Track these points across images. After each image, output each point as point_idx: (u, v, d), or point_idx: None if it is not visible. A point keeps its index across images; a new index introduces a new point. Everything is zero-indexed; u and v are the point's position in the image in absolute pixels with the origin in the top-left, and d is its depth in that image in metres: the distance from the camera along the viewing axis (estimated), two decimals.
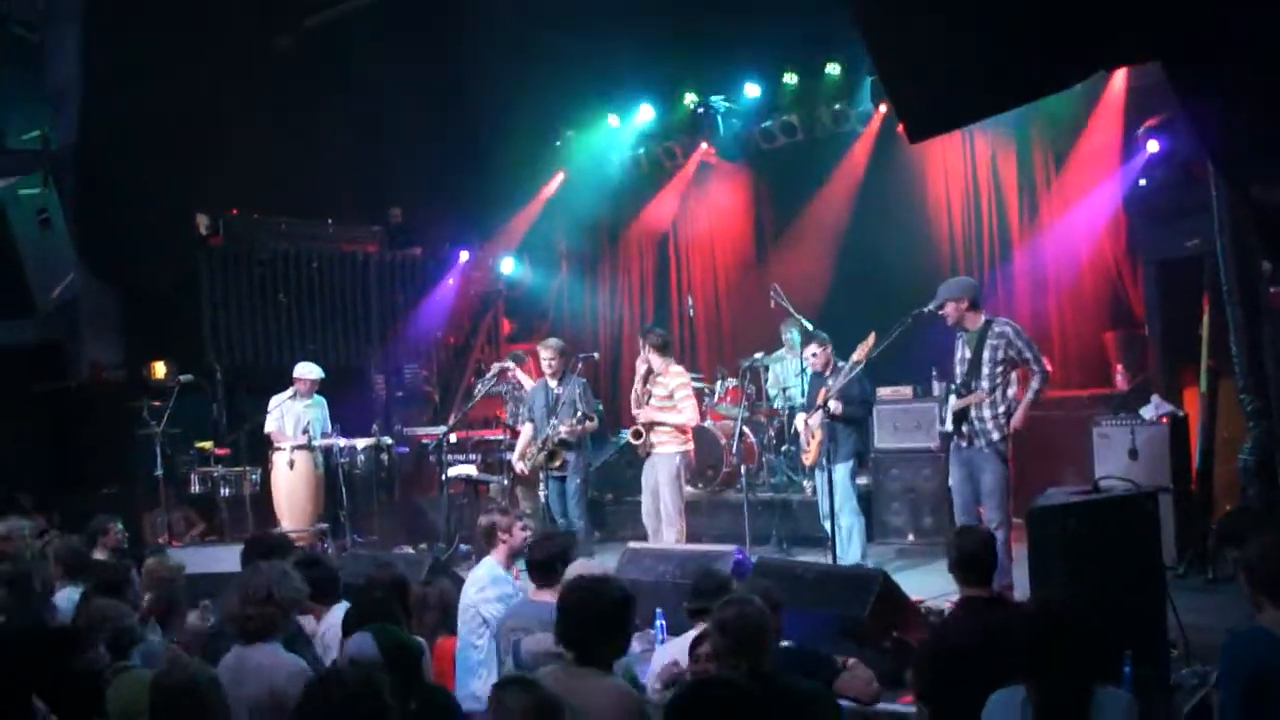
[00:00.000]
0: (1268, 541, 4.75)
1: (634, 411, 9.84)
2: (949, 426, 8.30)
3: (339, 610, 5.63)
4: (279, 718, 4.52)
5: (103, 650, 4.77)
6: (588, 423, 9.76)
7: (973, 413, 8.15)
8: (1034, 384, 8.09)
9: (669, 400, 9.73)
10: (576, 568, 5.32)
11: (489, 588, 6.41)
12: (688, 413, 9.78)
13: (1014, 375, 8.18)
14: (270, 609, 4.78)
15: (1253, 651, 4.22)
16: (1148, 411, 9.28)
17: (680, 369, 9.96)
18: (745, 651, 4.19)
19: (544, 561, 5.84)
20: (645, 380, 9.78)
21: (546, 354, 10.05)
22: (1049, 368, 8.21)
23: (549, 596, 5.44)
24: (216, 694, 4.02)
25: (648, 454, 9.81)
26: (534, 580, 5.94)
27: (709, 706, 3.30)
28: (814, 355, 9.43)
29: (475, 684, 6.09)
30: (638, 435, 9.79)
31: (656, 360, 9.76)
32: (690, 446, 9.89)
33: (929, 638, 5.33)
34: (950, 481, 8.54)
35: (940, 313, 8.31)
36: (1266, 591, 4.41)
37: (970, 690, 4.13)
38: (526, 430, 10.23)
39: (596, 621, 4.34)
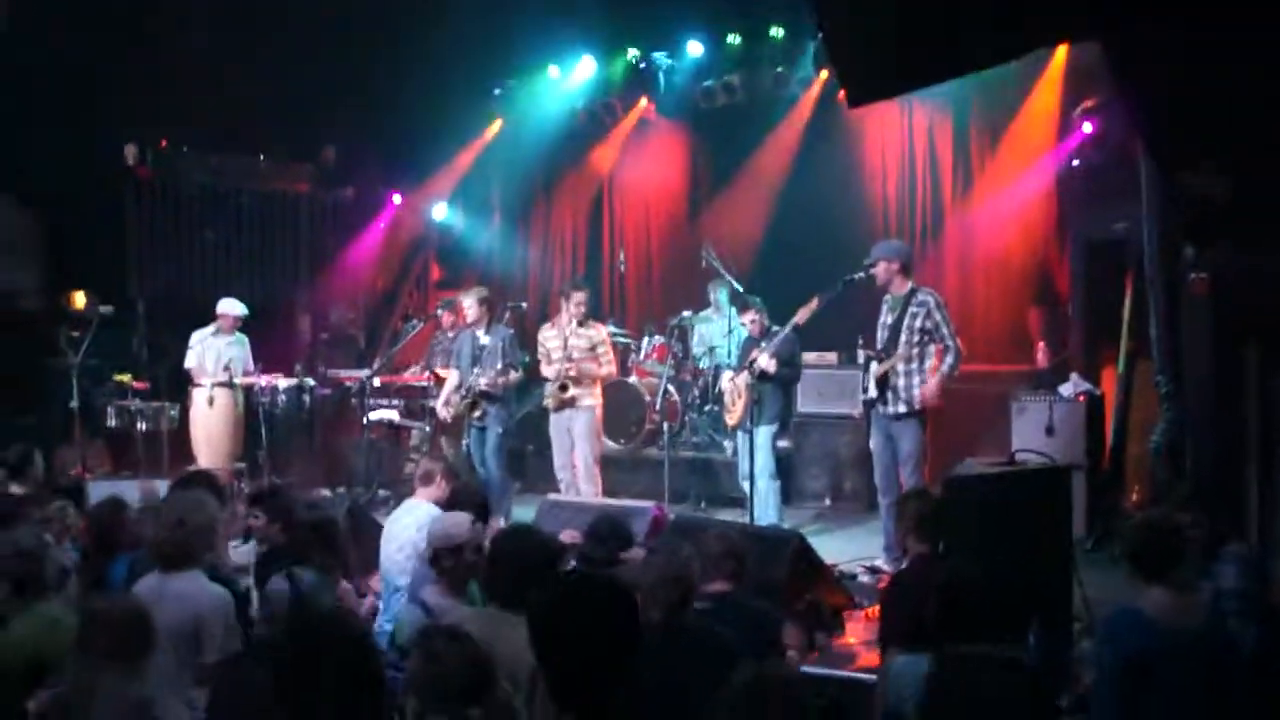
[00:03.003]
0: (1142, 521, 4.88)
1: (553, 366, 9.83)
2: (872, 393, 8.39)
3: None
4: (198, 645, 4.52)
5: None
6: (511, 374, 9.73)
7: (892, 379, 8.26)
8: (947, 359, 8.20)
9: (591, 353, 9.76)
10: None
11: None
12: (608, 367, 9.86)
13: (933, 348, 8.28)
14: (181, 533, 4.75)
15: (1126, 633, 4.33)
16: (1066, 389, 9.43)
17: (598, 323, 10.01)
18: (659, 600, 4.22)
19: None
20: (566, 333, 9.82)
21: (467, 302, 10.04)
22: (961, 347, 8.31)
23: None
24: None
25: (560, 407, 9.81)
26: None
27: (573, 602, 3.20)
28: (752, 321, 9.47)
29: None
30: (564, 388, 9.78)
31: (579, 312, 9.77)
32: (598, 399, 9.96)
33: (891, 589, 5.54)
34: (870, 446, 8.66)
35: (871, 270, 8.40)
36: (1143, 571, 4.53)
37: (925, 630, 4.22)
38: (452, 377, 10.18)
39: (525, 572, 4.30)
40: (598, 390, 9.89)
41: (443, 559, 4.90)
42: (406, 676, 3.51)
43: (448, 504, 6.11)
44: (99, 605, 4.14)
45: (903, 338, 8.26)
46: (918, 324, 8.21)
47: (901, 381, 8.25)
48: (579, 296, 9.86)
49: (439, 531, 5.02)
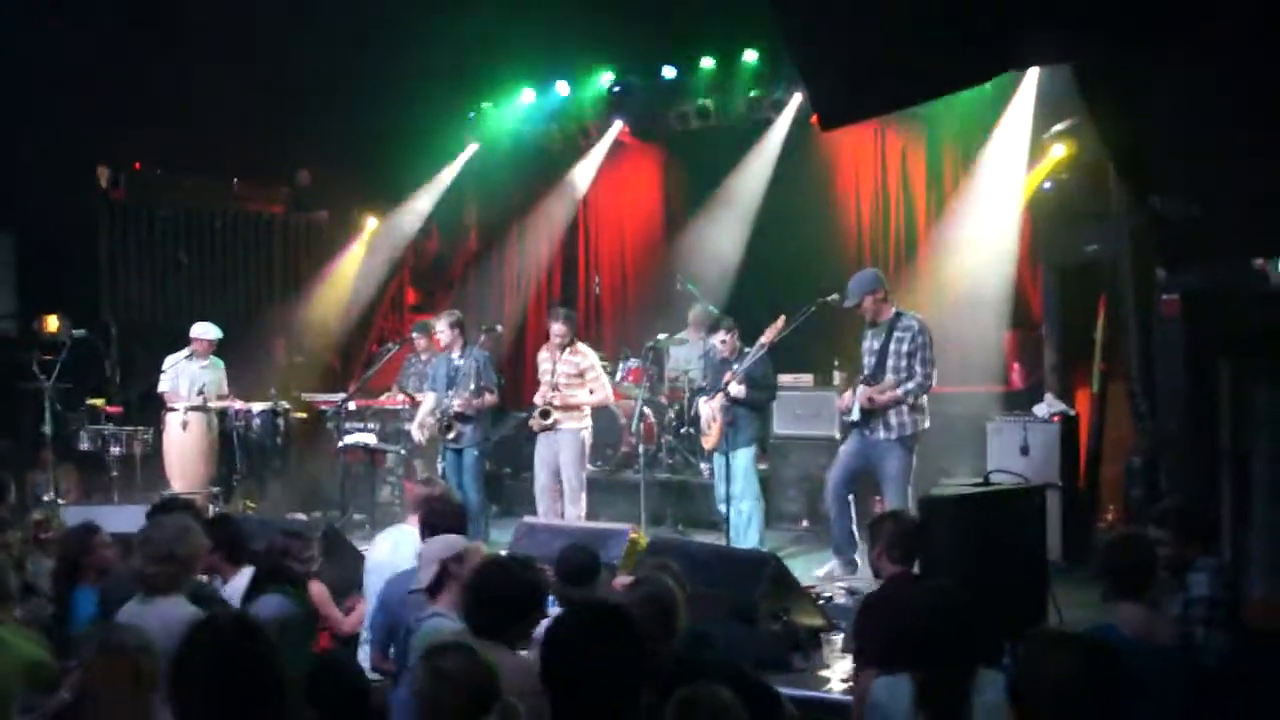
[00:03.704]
0: (1116, 539, 4.91)
1: (544, 395, 9.81)
2: (855, 416, 8.42)
3: (247, 573, 5.62)
4: None
5: None
6: (486, 396, 9.73)
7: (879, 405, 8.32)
8: (908, 385, 8.24)
9: (578, 379, 9.75)
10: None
11: None
12: (601, 391, 9.84)
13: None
14: (172, 567, 4.73)
15: None
16: (1040, 409, 9.47)
17: (585, 347, 9.99)
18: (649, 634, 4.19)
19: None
20: (553, 359, 9.81)
21: (439, 325, 10.06)
22: (931, 380, 8.35)
23: None
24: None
25: (546, 429, 9.79)
26: None
27: (582, 629, 3.23)
28: (722, 342, 9.48)
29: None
30: (545, 415, 9.77)
31: (564, 333, 9.76)
32: (590, 424, 9.94)
33: (864, 610, 5.48)
34: (834, 470, 8.69)
35: (859, 309, 8.45)
36: (1118, 587, 4.57)
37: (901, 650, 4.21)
38: (428, 400, 10.17)
39: (505, 605, 4.27)
40: (586, 414, 9.87)
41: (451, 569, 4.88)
42: (416, 695, 3.48)
43: (425, 520, 6.05)
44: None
45: (889, 363, 8.32)
46: (904, 349, 8.29)
47: (892, 409, 8.31)
48: (555, 326, 9.85)
49: (441, 545, 5.02)
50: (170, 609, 4.66)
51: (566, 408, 9.74)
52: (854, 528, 8.56)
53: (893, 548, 5.41)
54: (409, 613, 5.04)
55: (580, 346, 9.93)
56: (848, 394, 8.73)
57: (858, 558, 8.45)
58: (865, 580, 7.95)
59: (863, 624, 5.34)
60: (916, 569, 5.48)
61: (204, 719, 3.20)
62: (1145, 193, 6.13)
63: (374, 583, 6.27)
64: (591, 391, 9.82)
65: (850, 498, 8.68)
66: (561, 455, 9.75)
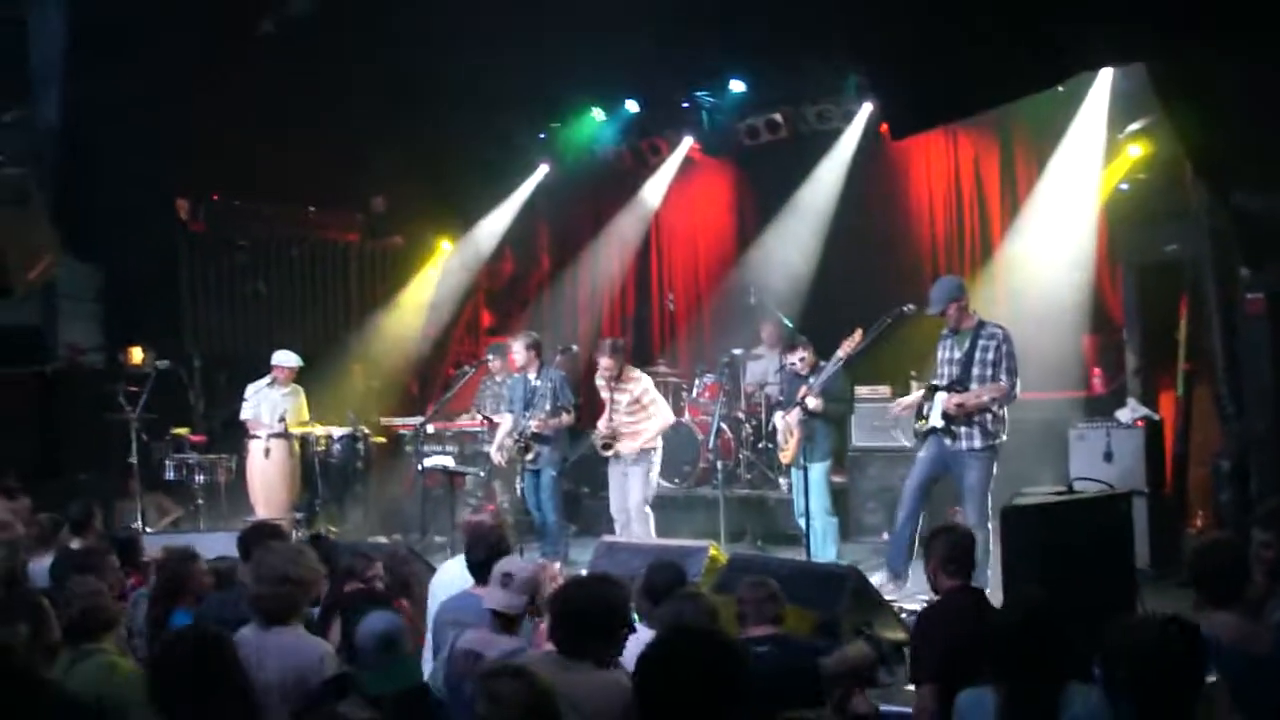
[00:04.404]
0: (1207, 543, 4.78)
1: (606, 425, 9.84)
2: (938, 423, 8.29)
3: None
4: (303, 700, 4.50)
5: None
6: (563, 416, 9.77)
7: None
8: (993, 393, 8.10)
9: (636, 405, 9.73)
10: (504, 565, 5.20)
11: None
12: (660, 415, 9.80)
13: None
14: (287, 588, 4.69)
15: None
16: (1123, 414, 9.32)
17: (638, 372, 9.94)
18: None
19: (483, 559, 5.80)
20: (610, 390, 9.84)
21: (516, 347, 10.15)
22: (1017, 389, 8.22)
23: (484, 592, 5.46)
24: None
25: (617, 454, 9.82)
26: (474, 575, 5.88)
27: (679, 656, 3.19)
28: (800, 359, 9.43)
29: None
30: (607, 446, 9.81)
31: (611, 366, 9.74)
32: (659, 444, 9.92)
33: (920, 624, 5.38)
34: (911, 479, 8.56)
35: (943, 315, 8.34)
36: (1207, 594, 4.44)
37: (969, 670, 4.14)
38: (505, 422, 10.24)
39: (588, 623, 4.25)
40: (652, 437, 9.87)
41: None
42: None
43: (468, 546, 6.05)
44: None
45: (975, 371, 8.19)
46: (989, 357, 8.16)
47: (977, 418, 8.18)
48: (602, 360, 9.85)
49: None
50: (288, 638, 4.66)
51: (630, 434, 9.75)
52: (917, 536, 8.42)
53: (948, 561, 5.23)
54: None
55: (631, 372, 9.90)
56: (907, 400, 8.62)
57: (910, 571, 8.32)
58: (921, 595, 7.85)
59: (919, 639, 5.23)
60: (973, 582, 5.37)
61: None
62: (1226, 190, 6.03)
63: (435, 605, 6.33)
64: (651, 416, 9.78)
65: (922, 507, 8.53)
66: (628, 481, 9.77)
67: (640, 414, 9.76)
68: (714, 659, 3.13)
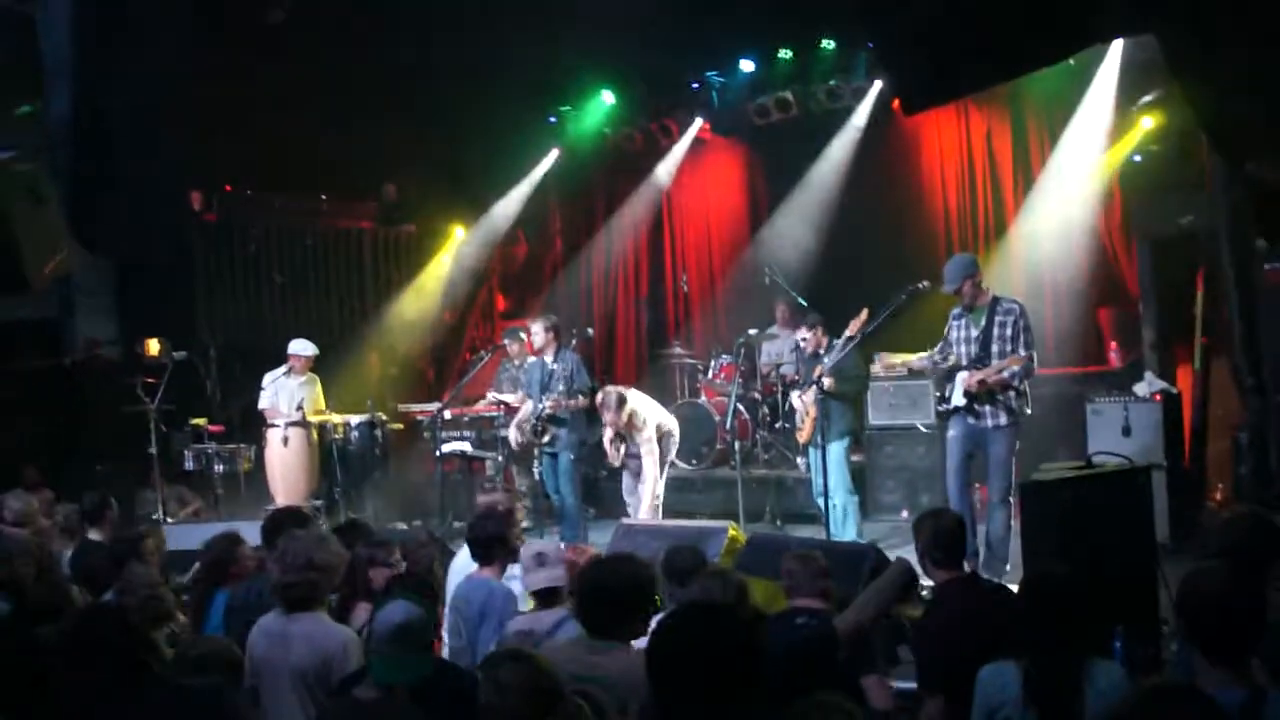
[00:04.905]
0: (1236, 516, 4.73)
1: (615, 457, 10.01)
2: (960, 402, 8.27)
3: None
4: (327, 686, 4.53)
5: None
6: (578, 399, 9.79)
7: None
8: (1015, 368, 8.08)
9: (646, 440, 9.80)
10: (533, 547, 5.25)
11: None
12: (649, 430, 9.88)
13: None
14: (312, 575, 4.71)
15: None
16: (1141, 388, 9.29)
17: (642, 418, 9.92)
18: None
19: (484, 541, 5.83)
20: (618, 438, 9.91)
21: (535, 329, 10.24)
22: (1034, 362, 8.19)
23: (489, 574, 5.67)
24: None
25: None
26: (475, 558, 5.92)
27: (688, 630, 3.20)
28: (805, 339, 9.43)
29: None
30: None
31: (616, 422, 9.76)
32: (672, 429, 9.97)
33: (919, 634, 5.17)
34: (950, 460, 8.53)
35: (958, 293, 8.32)
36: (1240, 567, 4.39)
37: (971, 671, 4.11)
38: (527, 405, 10.27)
39: (613, 601, 4.26)
40: (652, 436, 9.89)
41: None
42: (480, 706, 3.51)
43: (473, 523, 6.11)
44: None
45: (994, 348, 8.17)
46: (1008, 332, 8.14)
47: (1000, 395, 8.16)
48: (608, 417, 9.81)
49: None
50: (312, 625, 4.68)
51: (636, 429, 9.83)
52: (974, 509, 8.39)
53: (933, 549, 5.02)
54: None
55: (636, 420, 9.86)
56: (913, 358, 8.60)
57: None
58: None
59: (921, 647, 4.99)
60: (967, 569, 5.27)
61: None
62: (1240, 161, 5.99)
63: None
64: (650, 441, 9.84)
65: (967, 483, 8.50)
66: (643, 464, 9.79)
67: (639, 439, 9.82)
68: (723, 634, 3.12)
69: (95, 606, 5.25)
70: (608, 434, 9.89)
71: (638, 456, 9.89)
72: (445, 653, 5.95)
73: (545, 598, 5.00)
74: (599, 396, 9.85)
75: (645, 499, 9.77)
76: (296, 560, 4.70)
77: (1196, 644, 3.44)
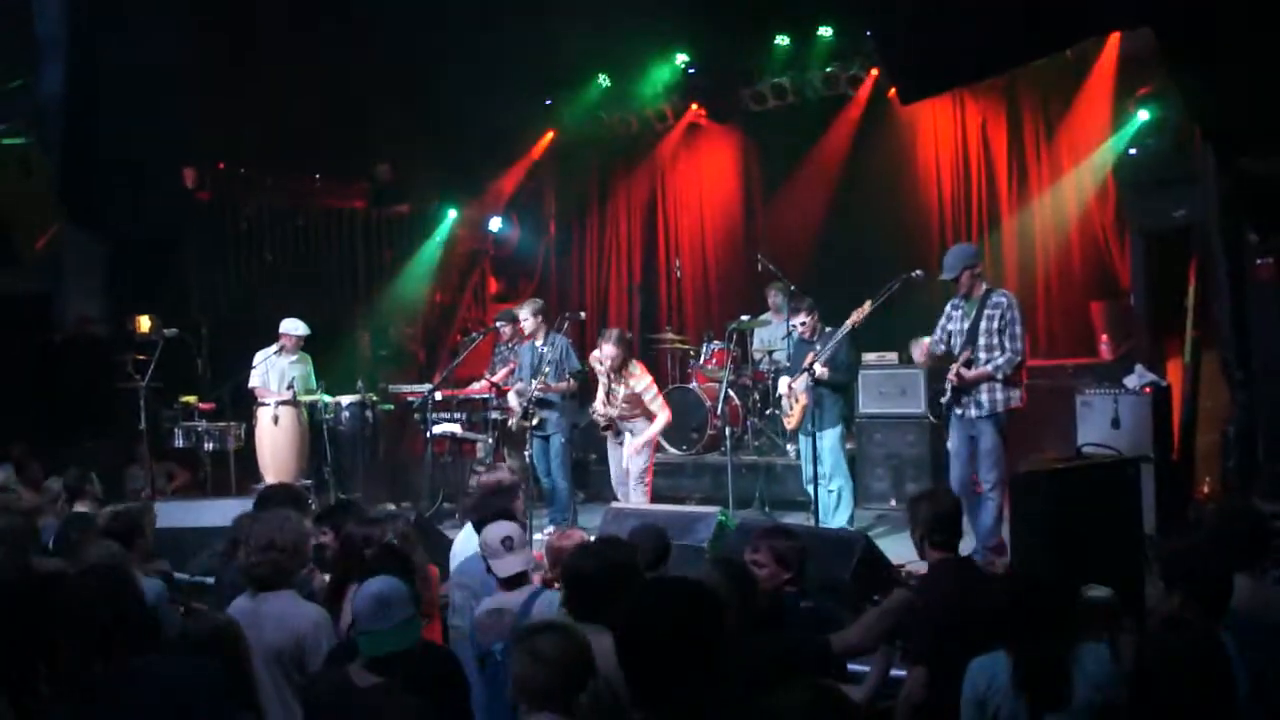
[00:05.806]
0: (1226, 508, 4.75)
1: (602, 410, 9.82)
2: (946, 396, 8.32)
3: None
4: (300, 665, 4.57)
5: None
6: (567, 381, 9.80)
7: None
8: (998, 360, 8.09)
9: (634, 399, 9.67)
10: (499, 531, 5.22)
11: None
12: (658, 416, 9.70)
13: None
14: (274, 555, 4.75)
15: None
16: (1131, 381, 9.30)
17: (640, 368, 9.85)
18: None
19: (491, 518, 5.82)
20: (609, 379, 9.75)
21: (523, 314, 10.21)
22: (1021, 354, 8.20)
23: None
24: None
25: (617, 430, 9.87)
26: (477, 532, 5.91)
27: (652, 603, 3.25)
28: (802, 324, 9.42)
29: None
30: (606, 428, 9.84)
31: (615, 357, 9.65)
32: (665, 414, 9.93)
33: (911, 601, 5.26)
34: (949, 446, 8.56)
35: (956, 282, 8.32)
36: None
37: (958, 650, 4.14)
38: (518, 389, 10.29)
39: (597, 585, 4.26)
40: (648, 441, 9.80)
41: None
42: (514, 675, 3.49)
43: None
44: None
45: (980, 340, 8.18)
46: (995, 325, 8.15)
47: (984, 385, 8.18)
48: (606, 349, 9.61)
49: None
50: (282, 604, 4.71)
51: (629, 418, 9.77)
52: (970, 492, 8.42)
53: (932, 531, 5.04)
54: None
55: (633, 369, 9.71)
56: (925, 341, 8.61)
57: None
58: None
59: (913, 623, 4.92)
60: (963, 552, 5.30)
61: None
62: (1233, 155, 6.01)
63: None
64: (650, 418, 9.73)
65: (971, 469, 8.49)
66: (624, 447, 9.77)
67: (638, 409, 9.71)
68: (688, 607, 3.21)
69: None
70: (599, 395, 9.84)
71: (622, 438, 9.83)
72: (449, 633, 5.98)
73: (514, 582, 5.00)
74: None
75: (637, 464, 9.70)
76: (260, 541, 4.77)
77: None
